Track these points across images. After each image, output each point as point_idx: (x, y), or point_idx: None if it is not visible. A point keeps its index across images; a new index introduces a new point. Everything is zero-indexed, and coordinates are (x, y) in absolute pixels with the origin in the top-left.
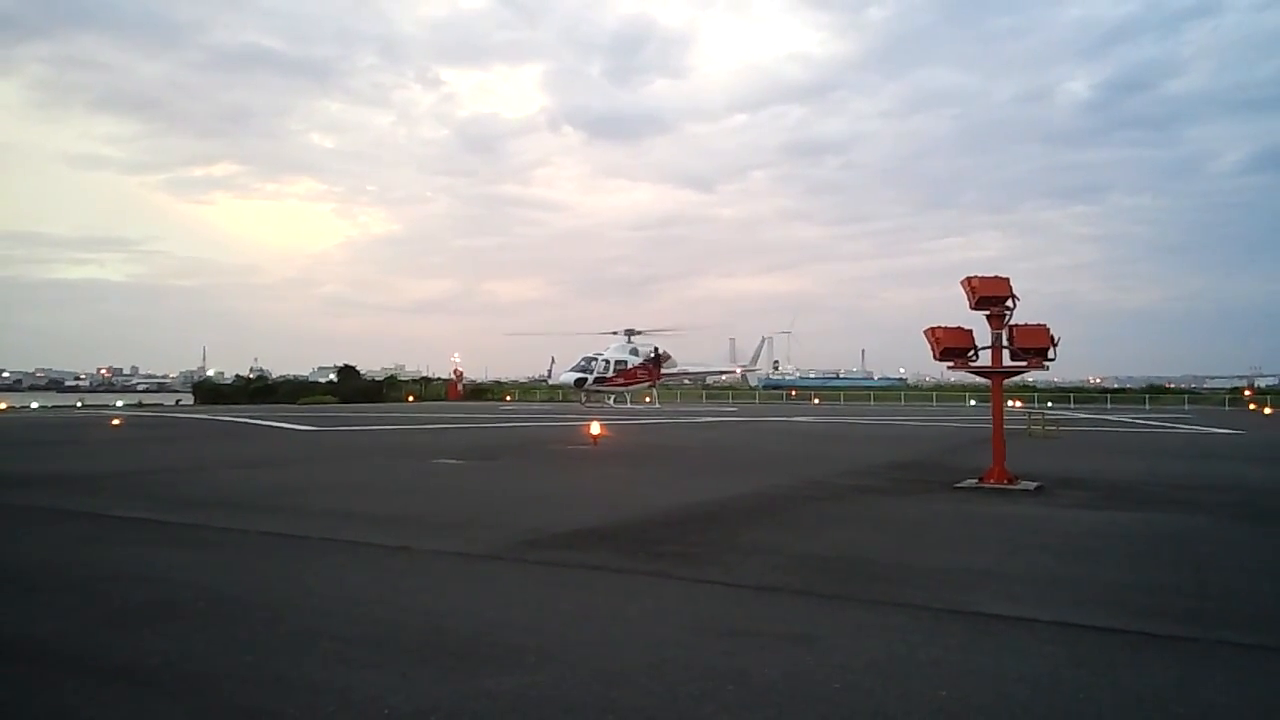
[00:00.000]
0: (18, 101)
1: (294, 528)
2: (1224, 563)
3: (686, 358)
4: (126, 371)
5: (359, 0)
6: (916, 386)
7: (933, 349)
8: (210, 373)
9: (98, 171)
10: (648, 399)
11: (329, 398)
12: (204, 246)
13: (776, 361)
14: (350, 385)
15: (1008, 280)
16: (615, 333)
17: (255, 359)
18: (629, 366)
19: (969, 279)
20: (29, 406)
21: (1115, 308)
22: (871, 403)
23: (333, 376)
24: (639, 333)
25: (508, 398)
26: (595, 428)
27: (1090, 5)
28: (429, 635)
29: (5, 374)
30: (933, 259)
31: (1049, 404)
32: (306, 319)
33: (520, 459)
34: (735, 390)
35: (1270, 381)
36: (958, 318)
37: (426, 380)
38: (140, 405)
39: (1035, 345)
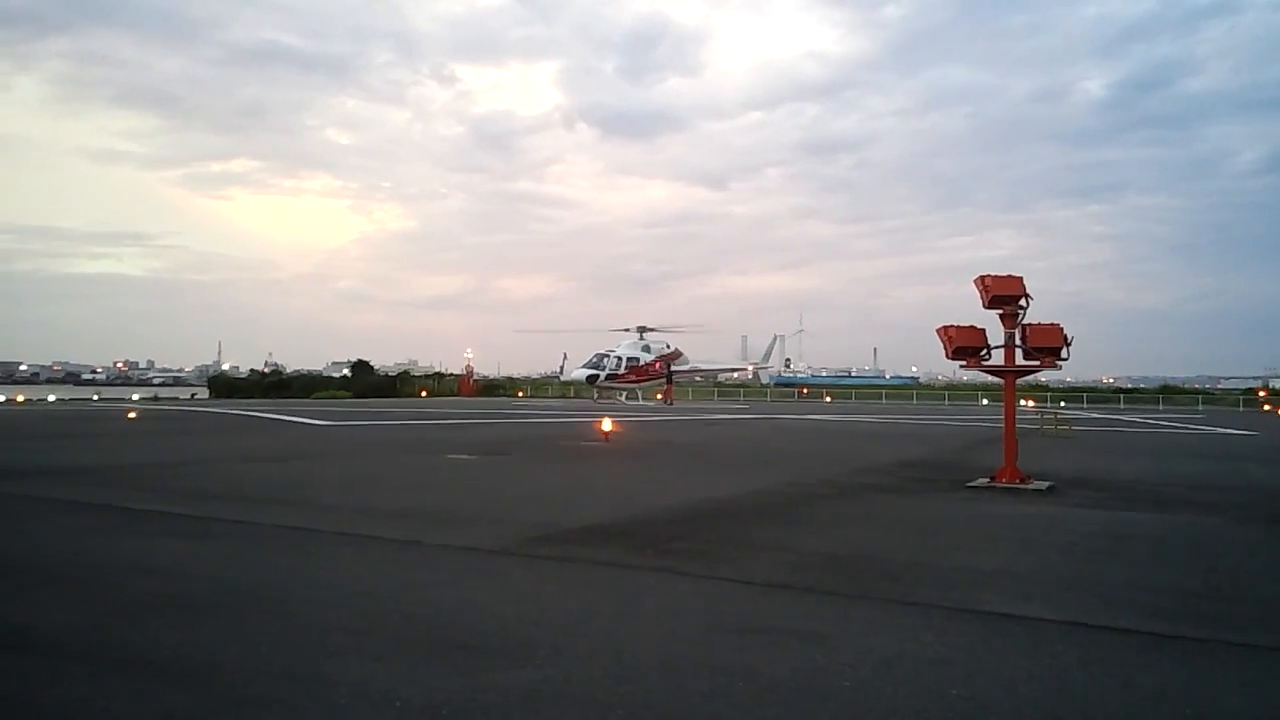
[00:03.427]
0: (38, 96)
1: (306, 521)
2: (1237, 564)
3: (698, 355)
4: (142, 365)
5: None
6: (929, 385)
7: (945, 348)
8: (225, 367)
9: (116, 166)
10: (659, 396)
11: (342, 392)
12: (220, 242)
13: (788, 359)
14: (363, 380)
15: (1021, 279)
16: (628, 329)
17: (270, 354)
18: (641, 363)
19: (982, 278)
20: (46, 399)
21: (1129, 307)
22: (883, 401)
23: (346, 371)
24: (651, 330)
25: (520, 394)
26: (607, 424)
27: (1107, 3)
28: (440, 629)
29: (23, 367)
30: (946, 257)
31: (1062, 403)
32: (321, 314)
33: (532, 455)
34: (747, 388)
35: None
36: (971, 316)
37: (439, 376)
38: (156, 399)
39: (1048, 345)
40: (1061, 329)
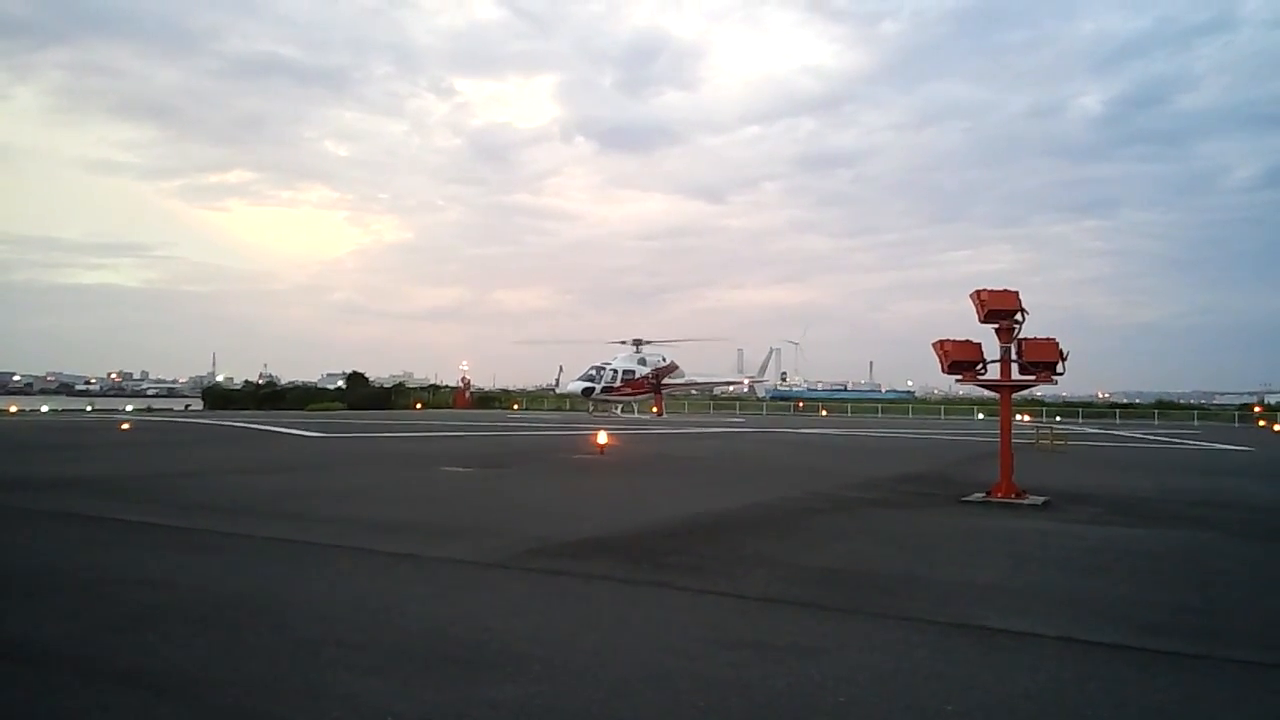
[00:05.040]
0: (36, 107)
1: (299, 533)
2: (1232, 580)
3: (694, 368)
4: (137, 376)
5: (374, 9)
6: (925, 399)
7: (941, 362)
8: (220, 378)
9: (113, 177)
10: (655, 409)
11: (337, 404)
12: (217, 253)
13: (784, 373)
14: (358, 392)
15: (1017, 294)
16: (624, 342)
17: (265, 365)
18: (637, 376)
19: (978, 292)
20: (39, 410)
21: (1125, 322)
22: (879, 415)
23: (341, 383)
24: (647, 343)
25: (515, 406)
26: (602, 437)
27: (1103, 20)
28: (433, 643)
29: (16, 378)
30: (942, 271)
31: (1057, 418)
32: (317, 325)
33: (526, 468)
34: (742, 401)
35: None
36: (967, 331)
37: (434, 388)
38: (149, 410)
39: (1044, 359)
40: (1057, 343)
